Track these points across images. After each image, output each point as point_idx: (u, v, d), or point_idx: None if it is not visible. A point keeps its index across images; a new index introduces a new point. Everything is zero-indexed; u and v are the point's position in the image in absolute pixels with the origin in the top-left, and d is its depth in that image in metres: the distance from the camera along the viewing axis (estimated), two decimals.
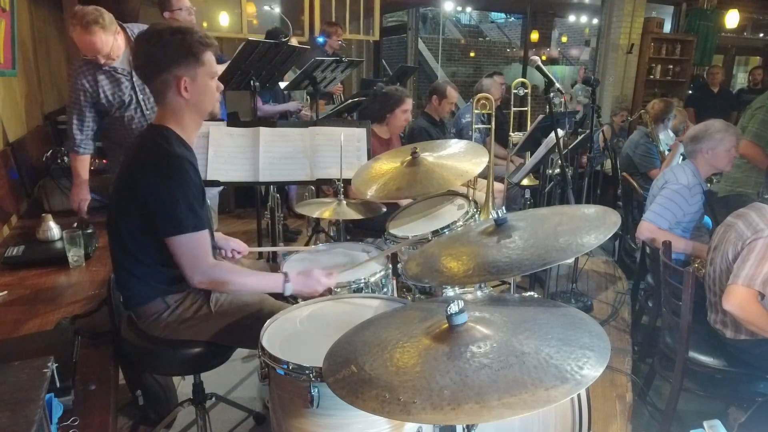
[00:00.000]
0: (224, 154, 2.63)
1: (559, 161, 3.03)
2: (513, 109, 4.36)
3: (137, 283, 1.65)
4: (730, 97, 7.13)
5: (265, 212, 3.39)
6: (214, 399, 2.17)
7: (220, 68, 1.90)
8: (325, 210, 2.25)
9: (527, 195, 3.65)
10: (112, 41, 2.46)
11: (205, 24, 5.72)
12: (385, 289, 1.89)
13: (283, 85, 3.91)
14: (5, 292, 2.01)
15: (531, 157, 3.38)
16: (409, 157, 2.20)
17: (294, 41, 3.77)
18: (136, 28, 2.64)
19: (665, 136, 4.41)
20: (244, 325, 1.69)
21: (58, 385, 1.33)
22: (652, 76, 7.95)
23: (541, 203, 3.60)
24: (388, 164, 2.28)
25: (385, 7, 6.93)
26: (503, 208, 1.50)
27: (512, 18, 14.24)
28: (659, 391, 2.64)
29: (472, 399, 0.90)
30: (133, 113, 2.67)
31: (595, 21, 9.75)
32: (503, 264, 1.31)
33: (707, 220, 3.20)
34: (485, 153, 2.20)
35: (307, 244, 3.54)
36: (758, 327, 1.95)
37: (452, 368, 0.98)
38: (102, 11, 2.40)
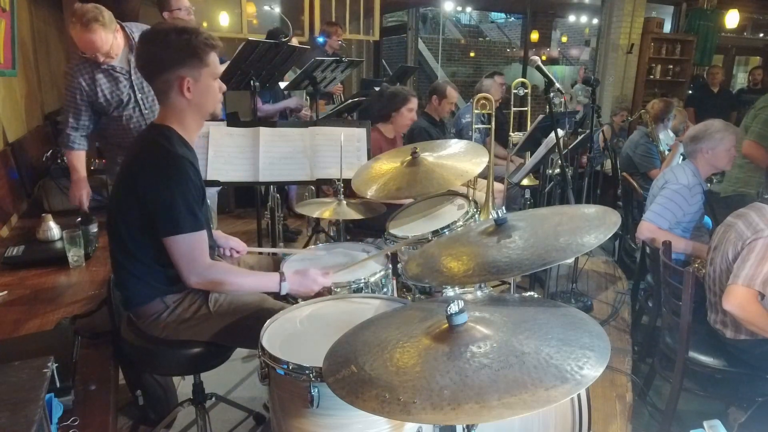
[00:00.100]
0: (224, 154, 2.63)
1: (559, 161, 3.03)
2: (513, 109, 4.36)
3: (137, 283, 1.65)
4: (730, 97, 7.13)
5: (265, 212, 3.40)
6: (214, 399, 2.17)
7: (221, 68, 1.89)
8: (325, 210, 2.25)
9: (527, 195, 3.65)
10: (112, 39, 2.45)
11: (205, 24, 5.72)
12: (385, 289, 1.89)
13: (283, 85, 3.91)
14: (5, 292, 2.01)
15: (531, 157, 3.38)
16: (409, 157, 2.20)
17: (294, 41, 3.76)
18: (135, 27, 2.64)
19: (665, 136, 4.41)
20: (244, 325, 1.69)
21: (58, 385, 1.33)
22: (652, 76, 7.95)
23: (541, 203, 3.60)
24: (388, 164, 2.28)
25: (385, 7, 6.93)
26: (503, 208, 1.50)
27: (512, 18, 14.24)
28: (659, 391, 2.64)
29: (472, 399, 0.90)
30: (132, 112, 2.66)
31: (595, 21, 9.75)
32: (503, 264, 1.31)
33: (707, 220, 3.20)
34: (485, 153, 2.20)
35: (307, 244, 3.54)
36: (758, 327, 1.95)
37: (452, 368, 0.98)
38: (101, 9, 2.39)
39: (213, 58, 1.61)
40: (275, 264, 2.07)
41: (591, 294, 3.56)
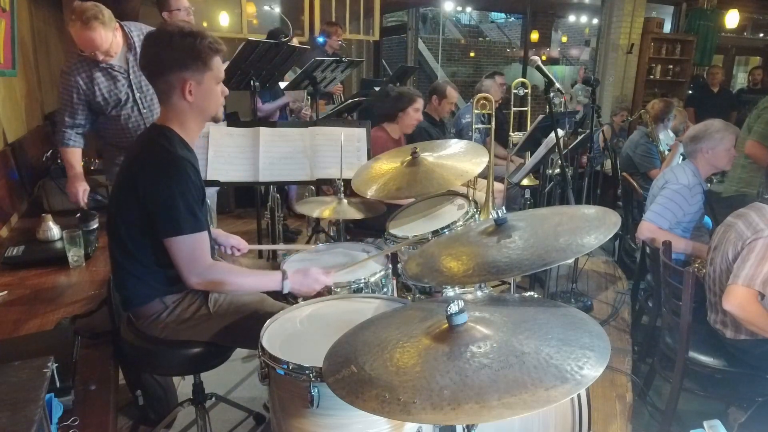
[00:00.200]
0: (224, 154, 2.63)
1: (559, 161, 3.03)
2: (513, 109, 4.36)
3: (136, 283, 1.65)
4: (730, 97, 7.13)
5: (265, 212, 3.40)
6: (214, 399, 2.17)
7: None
8: (325, 210, 2.25)
9: (527, 195, 3.65)
10: (112, 38, 2.44)
11: (205, 24, 5.72)
12: (385, 289, 1.89)
13: (283, 85, 3.91)
14: (5, 292, 2.01)
15: (531, 157, 3.38)
16: (409, 157, 2.20)
17: (294, 41, 3.77)
18: (134, 27, 2.63)
19: (665, 136, 4.41)
20: (244, 325, 1.69)
21: (58, 385, 1.33)
22: (652, 76, 7.95)
23: (541, 203, 3.60)
24: (388, 164, 2.28)
25: (385, 7, 6.93)
26: (503, 208, 1.50)
27: (512, 18, 14.23)
28: (659, 391, 2.64)
29: (472, 399, 0.90)
30: (130, 112, 2.65)
31: (595, 21, 9.75)
32: (503, 264, 1.31)
33: (707, 220, 3.20)
34: (485, 153, 2.20)
35: (307, 244, 3.54)
36: (758, 327, 1.95)
37: (452, 368, 0.98)
38: (101, 7, 2.38)
39: (217, 62, 1.61)
40: (273, 268, 2.07)
41: (591, 294, 3.56)
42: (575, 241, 1.30)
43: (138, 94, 2.63)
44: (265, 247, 3.15)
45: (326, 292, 1.77)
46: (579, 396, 1.50)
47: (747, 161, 3.41)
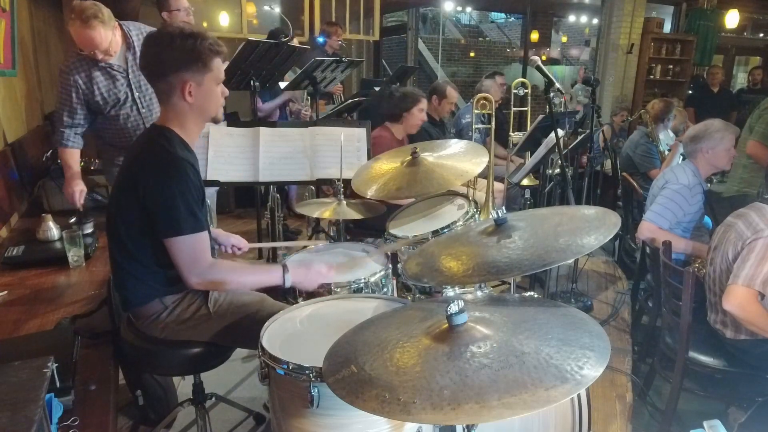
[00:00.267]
0: (224, 154, 2.63)
1: (559, 161, 3.02)
2: (513, 109, 4.36)
3: (136, 283, 1.65)
4: (730, 97, 7.13)
5: (265, 212, 3.40)
6: (214, 399, 2.17)
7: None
8: (325, 210, 2.25)
9: (527, 195, 3.65)
10: (111, 36, 2.43)
11: (205, 24, 5.72)
12: (385, 289, 1.89)
13: (283, 85, 3.91)
14: (5, 292, 2.01)
15: (531, 157, 3.38)
16: (409, 157, 2.20)
17: (295, 41, 3.77)
18: (133, 26, 2.62)
19: (665, 136, 4.41)
20: (244, 325, 1.69)
21: (58, 385, 1.33)
22: (652, 76, 7.95)
23: (541, 203, 3.59)
24: (388, 164, 2.28)
25: (385, 7, 6.93)
26: (503, 208, 1.50)
27: (512, 18, 14.23)
28: (659, 391, 2.64)
29: (472, 399, 0.90)
30: (129, 111, 2.64)
31: (595, 21, 9.75)
32: (503, 264, 1.31)
33: (707, 220, 3.20)
34: (485, 153, 2.20)
35: (307, 242, 3.53)
36: (758, 327, 1.95)
37: (452, 368, 0.98)
38: (100, 6, 2.37)
39: (217, 63, 1.61)
40: None
41: (591, 294, 3.56)
42: (575, 242, 1.30)
43: (137, 94, 2.63)
44: (265, 245, 3.15)
45: (326, 292, 1.77)
46: (579, 396, 1.50)
47: (749, 161, 3.41)
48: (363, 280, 1.82)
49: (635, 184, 3.76)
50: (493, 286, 2.86)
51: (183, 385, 2.40)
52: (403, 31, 10.17)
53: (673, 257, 2.45)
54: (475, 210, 2.22)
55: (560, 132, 2.86)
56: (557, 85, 2.83)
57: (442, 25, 13.67)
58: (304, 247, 2.27)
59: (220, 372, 1.87)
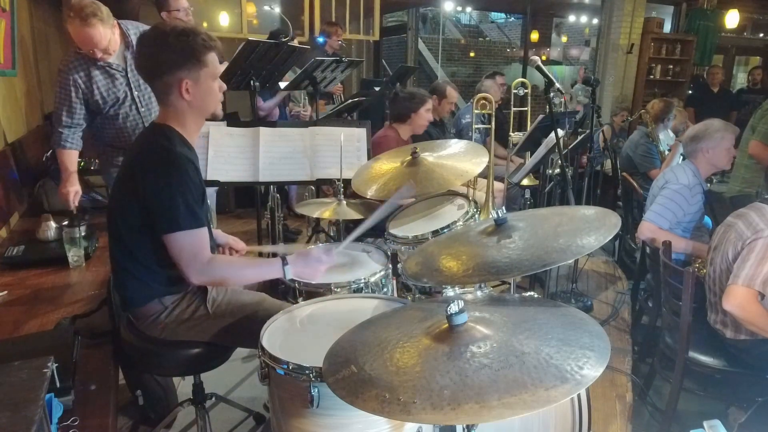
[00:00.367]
0: (224, 154, 2.63)
1: (559, 161, 3.02)
2: (513, 109, 4.36)
3: (136, 284, 1.65)
4: (730, 97, 7.13)
5: (265, 212, 3.39)
6: (214, 399, 2.17)
7: (220, 68, 1.89)
8: (325, 210, 2.25)
9: (527, 195, 3.65)
10: (110, 35, 2.42)
11: (205, 24, 5.72)
12: (385, 289, 1.89)
13: (283, 85, 3.91)
14: (5, 292, 2.01)
15: (531, 157, 3.38)
16: (409, 157, 2.20)
17: (295, 42, 3.76)
18: (131, 25, 2.62)
19: (665, 136, 4.41)
20: (244, 325, 1.69)
21: (58, 385, 1.33)
22: (652, 76, 7.95)
23: (541, 203, 3.59)
24: (388, 164, 2.29)
25: (385, 7, 6.92)
26: (503, 208, 1.50)
27: (512, 18, 14.22)
28: (659, 391, 2.64)
29: (472, 399, 0.90)
30: (128, 110, 2.63)
31: (595, 21, 9.75)
32: (503, 264, 1.31)
33: (707, 220, 3.20)
34: (485, 153, 2.20)
35: (307, 244, 3.53)
36: (758, 327, 1.95)
37: (452, 368, 0.98)
38: (99, 4, 2.36)
39: (212, 58, 1.61)
40: None
41: (591, 294, 3.56)
42: (575, 242, 1.30)
43: (136, 93, 2.62)
44: (263, 248, 3.14)
45: (327, 292, 1.76)
46: (579, 396, 1.50)
47: (750, 161, 3.41)
48: (363, 280, 1.82)
49: (635, 184, 3.76)
50: (493, 286, 2.86)
51: (183, 385, 2.40)
52: (403, 31, 10.16)
53: (673, 257, 2.45)
54: (475, 210, 2.22)
55: (560, 132, 2.86)
56: (557, 85, 2.83)
57: (442, 25, 13.66)
58: None
59: (220, 372, 1.87)
